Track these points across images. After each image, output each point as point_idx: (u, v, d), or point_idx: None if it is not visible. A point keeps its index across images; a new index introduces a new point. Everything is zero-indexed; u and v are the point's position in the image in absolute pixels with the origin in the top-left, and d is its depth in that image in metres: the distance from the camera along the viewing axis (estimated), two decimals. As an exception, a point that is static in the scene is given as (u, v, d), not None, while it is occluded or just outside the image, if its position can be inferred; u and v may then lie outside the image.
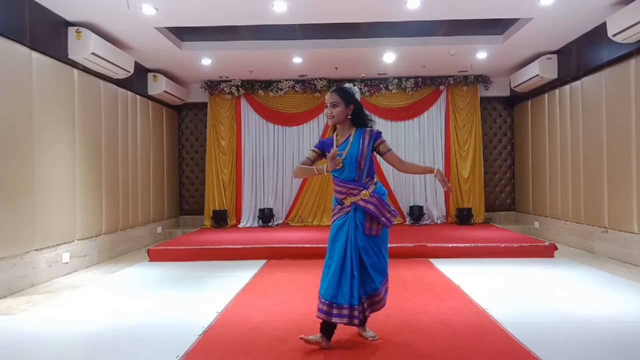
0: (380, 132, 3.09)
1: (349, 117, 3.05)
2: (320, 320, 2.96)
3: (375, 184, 3.05)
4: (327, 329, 2.97)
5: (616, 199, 5.96)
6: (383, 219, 2.96)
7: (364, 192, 2.97)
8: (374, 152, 3.07)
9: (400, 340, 3.11)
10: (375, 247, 2.99)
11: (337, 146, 3.03)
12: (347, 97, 3.04)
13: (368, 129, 3.07)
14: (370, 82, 9.06)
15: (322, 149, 3.12)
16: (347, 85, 3.13)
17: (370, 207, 2.95)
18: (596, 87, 6.39)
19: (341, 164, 2.97)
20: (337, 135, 3.11)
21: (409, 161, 3.26)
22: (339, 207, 3.07)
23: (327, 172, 2.94)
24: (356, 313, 2.86)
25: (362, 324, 3.08)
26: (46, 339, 3.29)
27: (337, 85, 8.92)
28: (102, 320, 3.68)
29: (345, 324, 2.91)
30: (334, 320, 2.88)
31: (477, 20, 6.30)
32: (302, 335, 3.00)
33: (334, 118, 3.03)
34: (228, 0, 5.24)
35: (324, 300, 2.90)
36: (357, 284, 2.89)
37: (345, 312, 2.86)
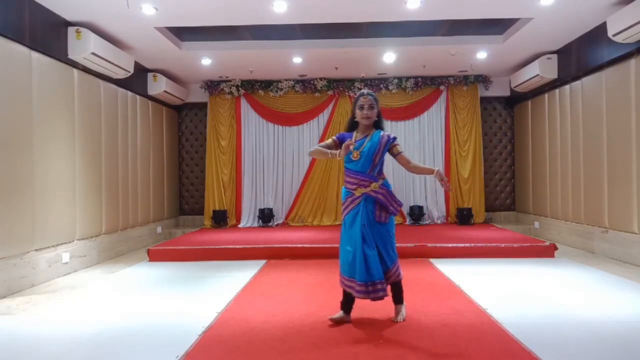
0: (396, 137, 3.51)
1: (375, 119, 3.49)
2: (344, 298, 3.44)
3: (384, 179, 3.46)
4: (348, 305, 3.47)
5: (616, 199, 5.96)
6: (391, 207, 3.40)
7: (374, 184, 3.39)
8: (388, 153, 3.47)
9: (400, 340, 3.11)
10: (386, 231, 3.42)
11: (355, 141, 3.43)
12: (377, 102, 3.52)
13: (386, 132, 3.51)
14: (370, 82, 9.05)
15: (341, 141, 3.49)
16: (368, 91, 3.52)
17: (380, 197, 3.38)
18: (596, 87, 6.38)
19: (359, 156, 3.38)
20: (356, 132, 3.52)
21: (414, 162, 3.61)
22: (350, 199, 3.44)
23: (339, 157, 3.32)
24: (384, 287, 3.29)
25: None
26: (46, 339, 3.29)
27: (336, 84, 9.04)
28: (102, 320, 3.68)
29: (378, 298, 3.28)
30: (371, 297, 3.25)
31: (477, 20, 6.30)
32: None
33: (369, 119, 3.44)
34: (228, 0, 5.24)
35: (360, 283, 3.26)
36: (379, 261, 3.32)
37: (379, 286, 3.26)
